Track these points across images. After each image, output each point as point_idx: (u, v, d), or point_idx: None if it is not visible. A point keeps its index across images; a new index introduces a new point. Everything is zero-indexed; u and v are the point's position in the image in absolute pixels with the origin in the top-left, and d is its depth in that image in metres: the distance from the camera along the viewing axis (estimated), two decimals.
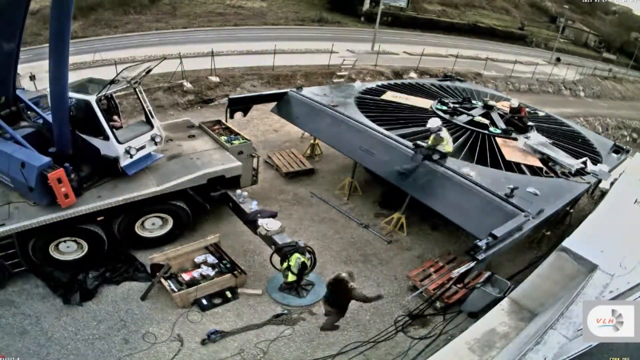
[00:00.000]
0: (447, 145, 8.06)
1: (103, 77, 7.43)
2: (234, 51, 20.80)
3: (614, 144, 11.26)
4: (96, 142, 7.01)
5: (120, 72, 7.03)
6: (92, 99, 6.70)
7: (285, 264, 6.78)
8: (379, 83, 13.41)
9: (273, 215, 7.56)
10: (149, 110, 7.61)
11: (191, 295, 6.66)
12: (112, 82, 6.83)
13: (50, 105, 6.44)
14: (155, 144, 7.72)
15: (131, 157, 7.22)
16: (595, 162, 9.66)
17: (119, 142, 6.99)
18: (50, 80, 6.04)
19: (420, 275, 7.70)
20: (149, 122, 7.66)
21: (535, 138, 9.69)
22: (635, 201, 7.12)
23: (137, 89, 7.44)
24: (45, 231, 6.53)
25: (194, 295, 6.68)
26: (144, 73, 7.32)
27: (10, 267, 6.57)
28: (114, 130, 7.04)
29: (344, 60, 14.04)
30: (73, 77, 6.62)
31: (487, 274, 7.18)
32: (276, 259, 7.03)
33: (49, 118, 6.77)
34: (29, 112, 7.33)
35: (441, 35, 38.92)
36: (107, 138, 6.93)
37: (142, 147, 7.45)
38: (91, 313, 6.39)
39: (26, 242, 6.52)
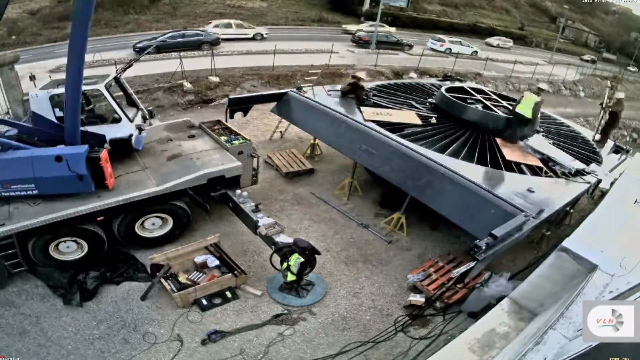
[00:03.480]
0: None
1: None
2: (234, 51, 20.84)
3: (614, 144, 11.26)
4: (102, 129, 7.49)
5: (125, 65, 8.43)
6: (101, 86, 7.45)
7: (285, 264, 6.79)
8: (379, 83, 13.40)
9: (307, 247, 6.82)
10: (132, 94, 8.82)
11: (191, 296, 6.66)
12: (126, 68, 8.37)
13: (65, 101, 6.63)
14: (144, 120, 8.69)
15: (140, 132, 8.18)
16: (596, 162, 9.66)
17: (131, 121, 7.82)
18: (69, 76, 6.28)
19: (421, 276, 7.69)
20: (133, 105, 8.67)
21: (535, 138, 9.70)
22: (635, 201, 7.12)
23: (120, 78, 8.44)
24: (45, 231, 6.53)
25: (194, 295, 6.68)
26: (134, 61, 8.69)
27: (10, 267, 6.57)
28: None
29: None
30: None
31: (487, 274, 7.19)
32: (276, 259, 7.04)
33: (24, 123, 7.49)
34: None
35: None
36: (118, 120, 7.64)
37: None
38: (91, 313, 6.39)
39: (26, 242, 6.52)
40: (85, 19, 5.89)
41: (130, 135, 7.73)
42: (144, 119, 8.69)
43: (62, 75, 7.90)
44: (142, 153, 8.16)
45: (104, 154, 6.72)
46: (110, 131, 7.56)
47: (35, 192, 6.60)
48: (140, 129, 8.17)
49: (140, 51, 16.65)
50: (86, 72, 6.63)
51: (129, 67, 8.60)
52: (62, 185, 6.59)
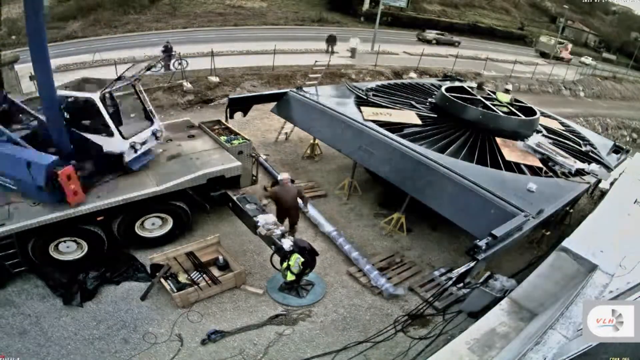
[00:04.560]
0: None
1: (102, 78, 7.61)
2: (234, 51, 20.84)
3: (614, 144, 11.26)
4: (98, 139, 7.12)
5: (125, 70, 7.40)
6: (95, 96, 6.88)
7: (285, 264, 6.78)
8: (379, 83, 13.40)
9: (306, 247, 6.80)
10: (148, 106, 7.93)
11: (191, 296, 6.66)
12: (119, 78, 7.36)
13: (42, 106, 6.52)
14: (157, 138, 7.98)
15: (135, 152, 7.42)
16: (596, 162, 9.66)
17: (124, 138, 7.18)
18: (39, 83, 6.19)
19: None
20: (148, 118, 7.92)
21: (535, 138, 9.69)
22: (635, 201, 7.13)
23: (136, 86, 7.70)
24: (45, 231, 6.52)
25: (195, 295, 6.69)
26: (143, 70, 7.71)
27: (10, 267, 6.56)
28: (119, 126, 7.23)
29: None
30: (73, 77, 6.67)
31: (487, 273, 7.18)
32: (276, 259, 7.04)
33: (44, 118, 6.87)
34: (21, 115, 7.32)
35: None
36: (111, 134, 7.08)
37: (145, 142, 7.66)
38: (91, 313, 6.39)
39: (26, 242, 6.51)
40: (39, 37, 5.80)
41: (122, 153, 7.24)
42: (155, 135, 7.89)
43: (62, 75, 7.85)
44: None
45: (65, 171, 6.21)
46: (105, 143, 7.17)
47: (15, 188, 6.59)
48: (134, 147, 7.35)
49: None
50: (86, 73, 6.63)
51: (148, 70, 7.97)
52: (29, 189, 6.45)
